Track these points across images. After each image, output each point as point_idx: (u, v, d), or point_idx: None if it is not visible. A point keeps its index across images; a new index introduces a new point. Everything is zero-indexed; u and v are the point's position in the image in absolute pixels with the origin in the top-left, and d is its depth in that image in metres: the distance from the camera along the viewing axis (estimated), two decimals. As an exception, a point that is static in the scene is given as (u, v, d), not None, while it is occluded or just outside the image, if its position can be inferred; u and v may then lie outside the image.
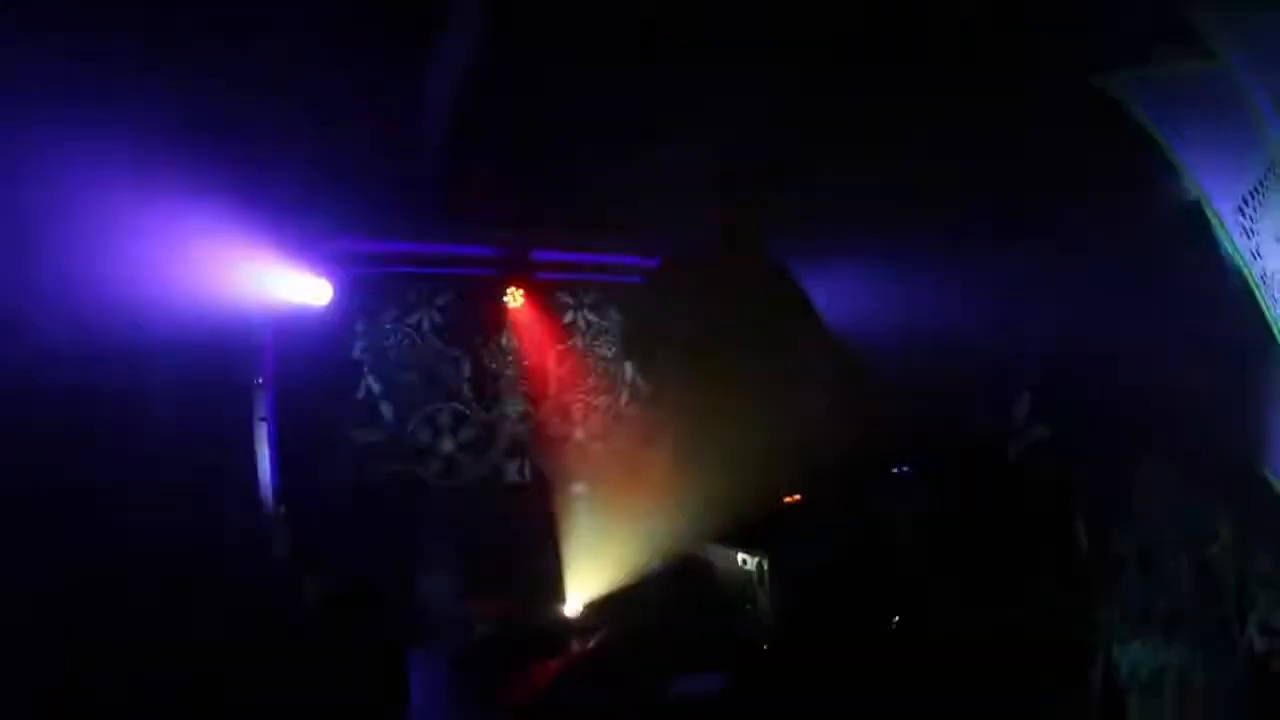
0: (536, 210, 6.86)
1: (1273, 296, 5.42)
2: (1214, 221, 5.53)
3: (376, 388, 6.94)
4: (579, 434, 7.57)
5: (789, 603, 4.50)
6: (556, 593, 6.42)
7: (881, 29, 5.51)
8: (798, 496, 4.91)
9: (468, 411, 7.28)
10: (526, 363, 7.47)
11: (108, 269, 5.18)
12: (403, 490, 6.88)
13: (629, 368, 7.67)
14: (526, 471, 7.32)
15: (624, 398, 7.72)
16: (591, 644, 5.76)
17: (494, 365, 7.42)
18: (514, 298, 7.40)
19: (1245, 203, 5.45)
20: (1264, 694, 4.92)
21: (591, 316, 7.48)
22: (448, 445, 7.16)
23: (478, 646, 5.81)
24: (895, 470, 5.52)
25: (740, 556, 4.59)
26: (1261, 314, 5.43)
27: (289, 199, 6.09)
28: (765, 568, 4.48)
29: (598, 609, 6.20)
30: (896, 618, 4.63)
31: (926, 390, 6.40)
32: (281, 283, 6.30)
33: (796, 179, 6.26)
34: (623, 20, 5.25)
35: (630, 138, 5.93)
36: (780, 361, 4.90)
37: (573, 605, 6.31)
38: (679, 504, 5.11)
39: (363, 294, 6.95)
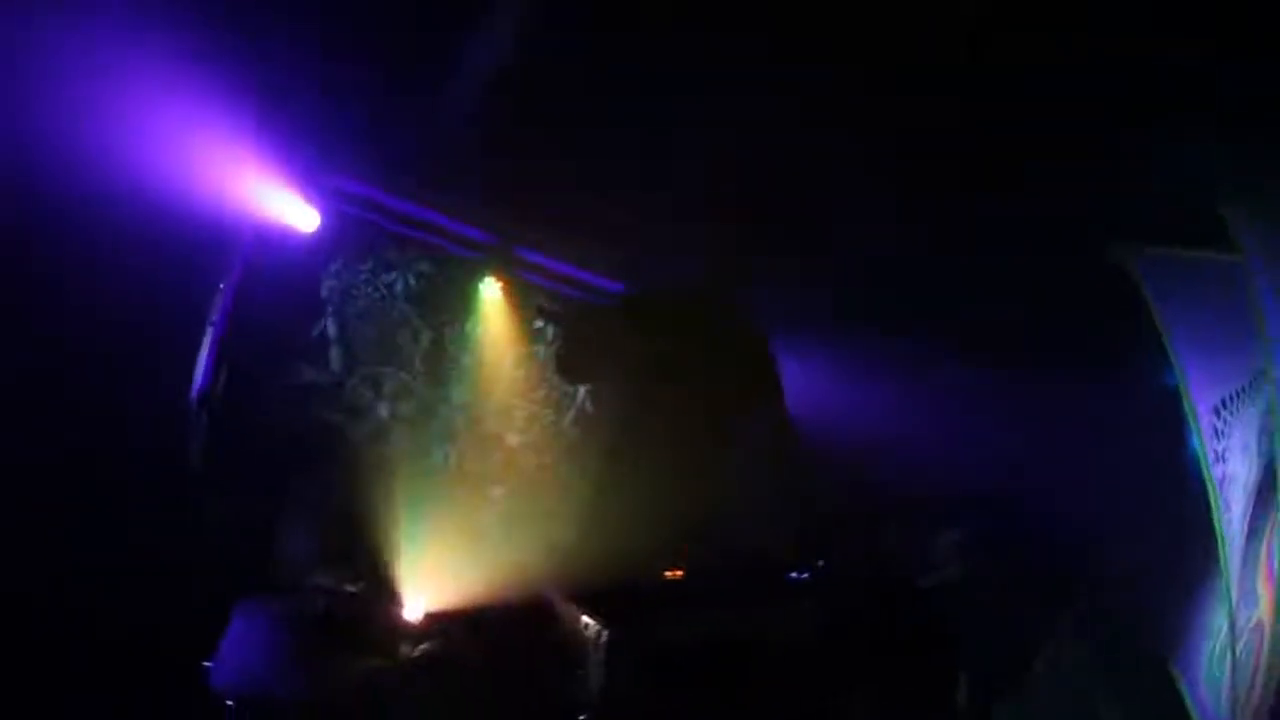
0: (532, 209, 6.70)
1: (1226, 501, 5.37)
2: (1189, 414, 5.47)
3: (332, 331, 6.61)
4: (513, 440, 7.28)
5: (619, 680, 4.16)
6: (410, 588, 6.10)
7: (904, 162, 5.52)
8: (680, 573, 4.61)
9: (412, 384, 6.96)
10: (484, 354, 7.16)
11: (107, 146, 4.98)
12: (324, 439, 6.53)
13: (582, 390, 7.44)
14: (450, 459, 7.00)
15: (569, 418, 7.46)
16: (416, 651, 5.50)
17: (452, 347, 7.13)
18: (490, 287, 7.14)
19: (1223, 405, 5.43)
20: None
21: (561, 329, 7.22)
22: (384, 411, 6.83)
23: (313, 615, 5.46)
24: (793, 574, 5.26)
25: (585, 619, 4.22)
26: (1210, 515, 5.35)
27: (304, 122, 5.87)
28: (604, 639, 4.09)
29: (440, 619, 5.89)
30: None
31: (857, 497, 6.27)
32: (272, 198, 6.03)
33: (786, 260, 6.18)
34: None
35: (634, 167, 5.88)
36: (724, 431, 4.66)
37: (418, 607, 5.99)
38: (574, 544, 4.83)
39: (347, 236, 6.65)
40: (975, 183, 5.60)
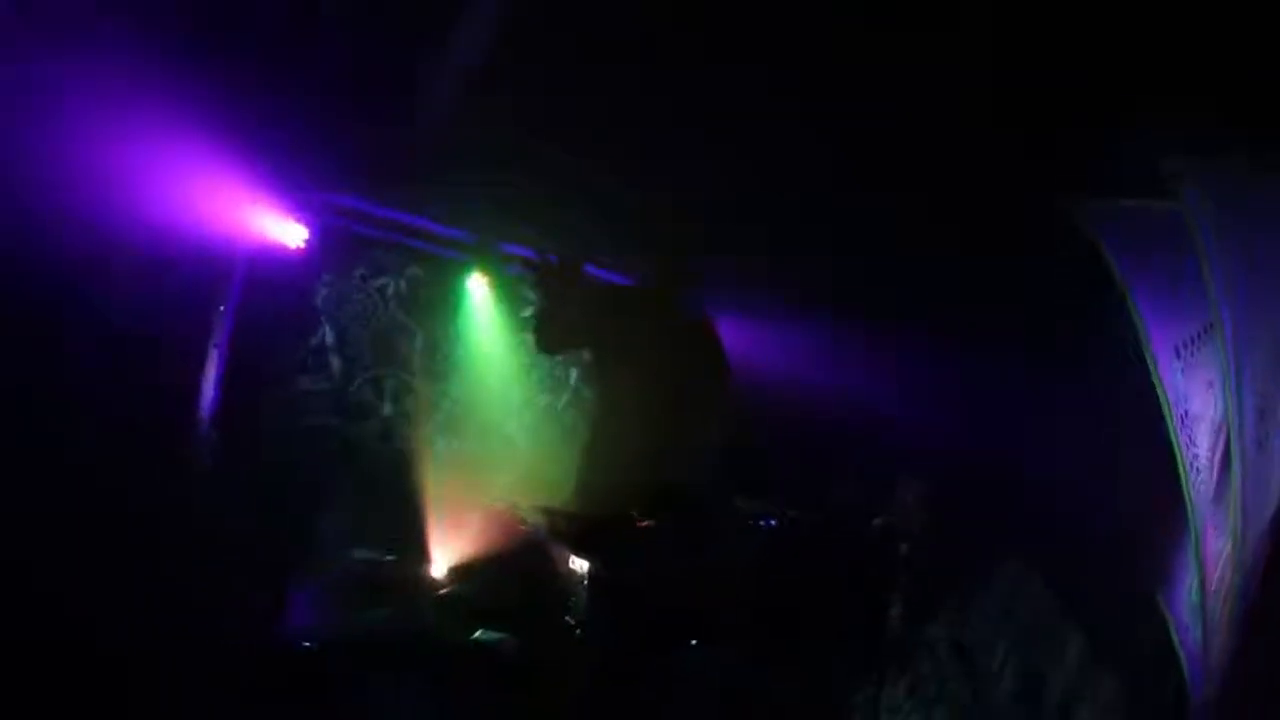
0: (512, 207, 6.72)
1: (1188, 437, 5.36)
2: (1148, 358, 5.44)
3: (330, 339, 6.78)
4: (512, 426, 7.51)
5: (600, 605, 4.62)
6: (429, 551, 6.81)
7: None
8: (649, 523, 4.91)
9: (411, 382, 7.16)
10: (477, 348, 7.36)
11: (92, 175, 5.02)
12: (333, 440, 6.77)
13: (574, 373, 7.60)
14: (455, 448, 7.23)
15: (564, 401, 7.66)
16: (440, 594, 6.45)
17: (445, 344, 7.31)
18: (478, 284, 7.31)
19: (1185, 345, 5.39)
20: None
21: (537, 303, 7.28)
22: (387, 410, 7.04)
23: (357, 578, 6.20)
24: (764, 522, 5.53)
25: (572, 560, 4.79)
26: (1173, 452, 5.34)
27: (285, 142, 5.92)
28: (586, 574, 4.67)
29: (458, 570, 6.72)
30: (694, 640, 4.79)
31: (817, 453, 6.39)
32: (260, 218, 6.17)
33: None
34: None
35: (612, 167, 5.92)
36: (685, 403, 4.83)
37: (442, 565, 6.80)
38: (573, 505, 5.10)
39: (336, 247, 6.79)
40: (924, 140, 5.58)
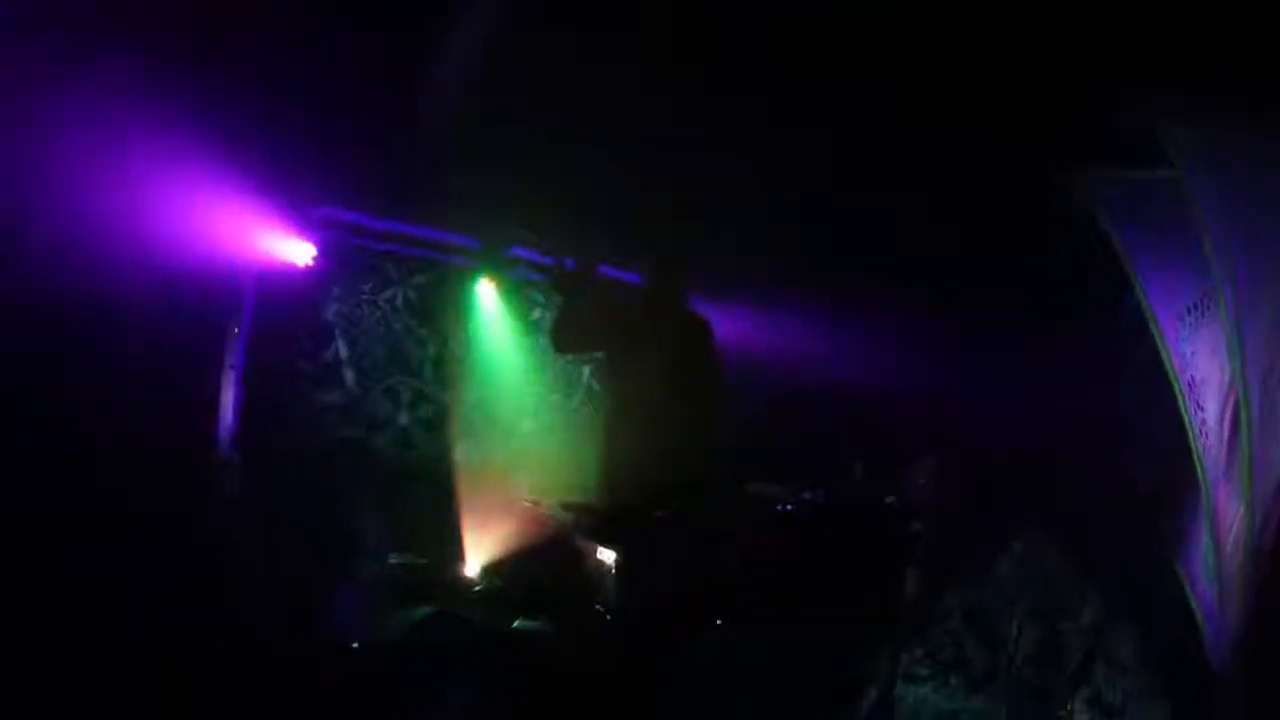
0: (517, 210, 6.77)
1: (1195, 403, 5.40)
2: (1153, 327, 5.48)
3: (344, 353, 6.83)
4: (528, 426, 7.59)
5: (627, 593, 4.93)
6: (462, 551, 6.96)
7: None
8: (668, 513, 5.06)
9: (426, 390, 7.22)
10: (489, 352, 7.42)
11: (99, 201, 5.04)
12: (353, 452, 6.83)
13: (585, 371, 7.71)
14: (474, 451, 7.27)
15: (577, 399, 7.79)
16: (474, 591, 6.77)
17: (457, 350, 7.36)
18: (486, 288, 7.35)
19: (1188, 311, 5.43)
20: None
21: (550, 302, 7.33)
22: (403, 419, 7.10)
23: (387, 582, 6.33)
24: (780, 507, 5.68)
25: (600, 551, 5.10)
26: (1181, 417, 5.38)
27: (286, 161, 5.97)
28: (613, 564, 5.00)
29: (490, 568, 6.93)
30: (720, 620, 5.05)
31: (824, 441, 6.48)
32: (267, 238, 6.19)
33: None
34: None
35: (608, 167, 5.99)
36: (688, 397, 4.95)
37: (475, 564, 6.98)
38: (592, 502, 5.25)
39: (343, 262, 6.83)
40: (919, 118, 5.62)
